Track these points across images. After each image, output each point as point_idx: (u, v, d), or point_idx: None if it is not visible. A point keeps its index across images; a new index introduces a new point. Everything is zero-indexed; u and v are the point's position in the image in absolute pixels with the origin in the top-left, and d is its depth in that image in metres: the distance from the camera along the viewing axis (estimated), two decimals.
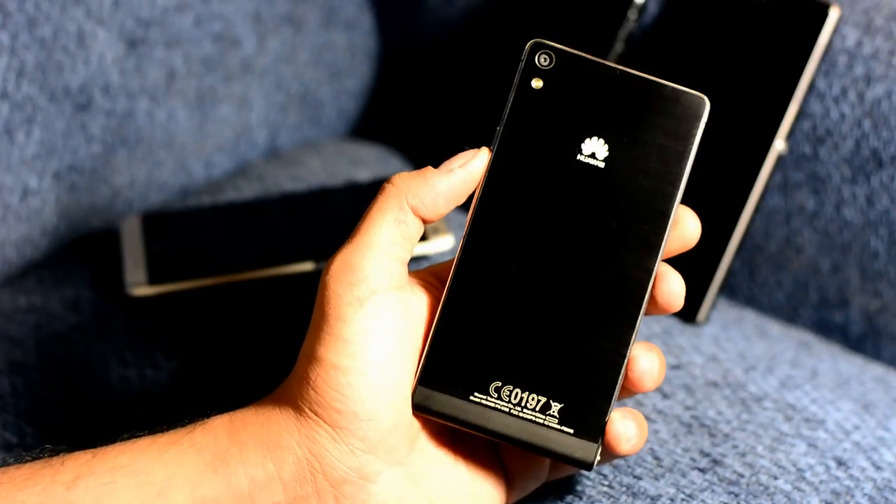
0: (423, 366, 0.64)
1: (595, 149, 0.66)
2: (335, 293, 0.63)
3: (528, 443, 0.65)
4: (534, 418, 0.65)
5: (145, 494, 0.62)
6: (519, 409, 0.64)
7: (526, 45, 0.66)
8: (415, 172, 0.65)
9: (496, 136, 0.66)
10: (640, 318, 0.65)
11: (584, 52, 0.66)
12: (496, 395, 0.64)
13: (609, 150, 0.66)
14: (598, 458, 0.65)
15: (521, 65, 0.66)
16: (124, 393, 0.81)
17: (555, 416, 0.65)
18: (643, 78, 0.66)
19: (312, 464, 0.63)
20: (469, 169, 0.65)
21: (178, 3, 0.96)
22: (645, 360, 0.65)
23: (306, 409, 0.63)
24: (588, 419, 0.65)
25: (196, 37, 0.97)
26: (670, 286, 0.65)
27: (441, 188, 0.65)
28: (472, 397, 0.64)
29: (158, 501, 0.62)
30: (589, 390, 0.65)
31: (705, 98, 0.66)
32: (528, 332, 0.65)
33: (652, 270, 0.65)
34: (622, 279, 0.65)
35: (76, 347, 0.84)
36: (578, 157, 0.66)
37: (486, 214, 0.65)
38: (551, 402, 0.65)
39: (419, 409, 0.65)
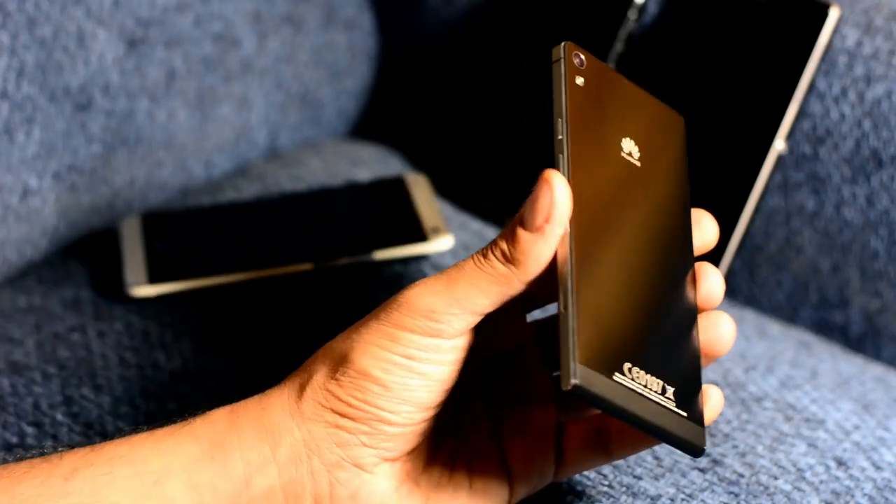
0: (580, 345, 0.61)
1: (630, 149, 0.67)
2: (402, 324, 0.63)
3: (662, 428, 0.62)
4: (659, 401, 0.63)
5: (142, 483, 0.62)
6: (647, 390, 0.62)
7: (559, 45, 0.67)
8: (519, 252, 0.62)
9: (563, 129, 0.65)
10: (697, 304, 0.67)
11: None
12: (630, 377, 0.62)
13: (639, 150, 0.67)
14: None
15: (563, 63, 0.66)
16: (124, 393, 0.81)
17: (672, 399, 0.63)
18: (642, 91, 0.69)
19: (310, 445, 0.64)
20: (557, 220, 0.62)
21: (178, 3, 0.96)
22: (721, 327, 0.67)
23: (320, 395, 0.64)
24: (692, 402, 0.64)
25: (196, 37, 0.97)
26: (710, 282, 0.67)
27: (545, 254, 0.62)
28: (615, 377, 0.62)
29: (155, 490, 0.63)
30: (686, 372, 0.64)
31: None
32: (638, 316, 0.64)
33: (691, 265, 0.67)
34: (680, 269, 0.66)
35: (76, 347, 0.84)
36: (622, 154, 0.67)
37: (581, 206, 0.64)
38: (666, 385, 0.63)
39: (580, 390, 0.60)
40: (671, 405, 0.63)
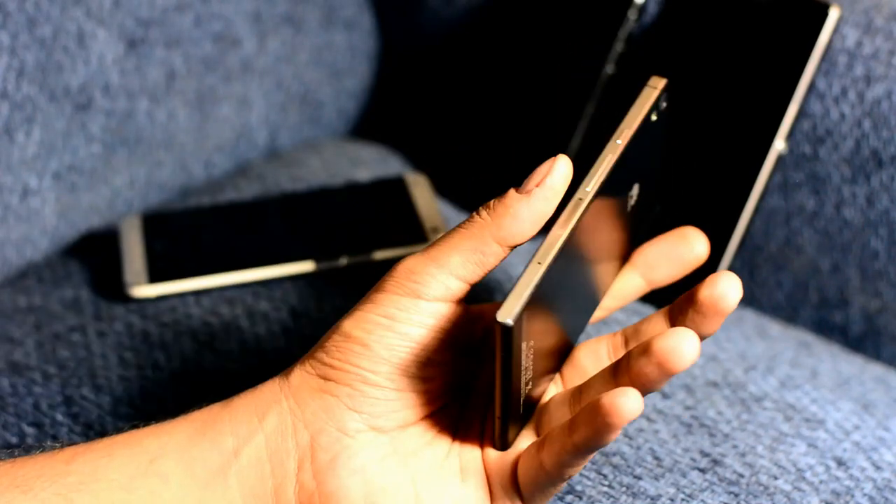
0: (529, 299, 0.62)
1: (633, 194, 0.69)
2: (385, 288, 0.66)
3: (503, 404, 0.65)
4: (521, 388, 0.65)
5: (139, 462, 0.65)
6: (524, 370, 0.64)
7: (662, 80, 0.69)
8: (501, 205, 0.65)
9: (617, 145, 0.67)
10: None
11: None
12: (528, 352, 0.64)
13: (636, 199, 0.70)
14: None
15: (656, 94, 0.68)
16: (124, 393, 0.81)
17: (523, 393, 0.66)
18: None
19: (295, 412, 0.66)
20: (549, 185, 0.65)
21: (178, 3, 0.96)
22: None
23: (308, 365, 0.66)
24: (517, 410, 0.66)
25: (196, 37, 0.97)
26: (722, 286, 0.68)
27: (525, 217, 0.65)
28: (524, 343, 0.63)
29: (151, 467, 0.65)
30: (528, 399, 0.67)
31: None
32: (557, 325, 0.66)
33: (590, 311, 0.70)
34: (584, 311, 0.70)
35: (76, 347, 0.84)
36: (629, 192, 0.69)
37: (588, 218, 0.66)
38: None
39: (506, 331, 0.61)
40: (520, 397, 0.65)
